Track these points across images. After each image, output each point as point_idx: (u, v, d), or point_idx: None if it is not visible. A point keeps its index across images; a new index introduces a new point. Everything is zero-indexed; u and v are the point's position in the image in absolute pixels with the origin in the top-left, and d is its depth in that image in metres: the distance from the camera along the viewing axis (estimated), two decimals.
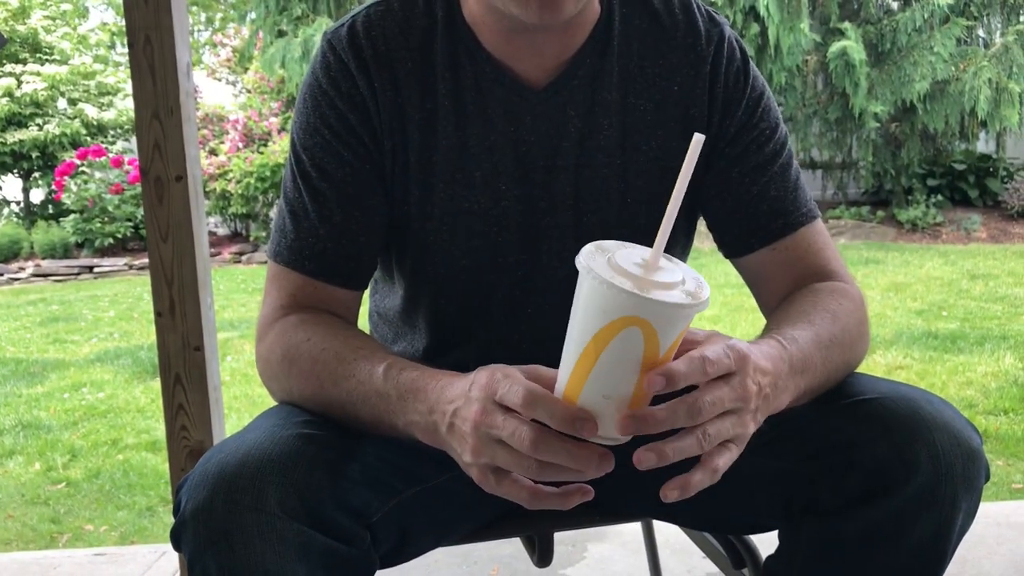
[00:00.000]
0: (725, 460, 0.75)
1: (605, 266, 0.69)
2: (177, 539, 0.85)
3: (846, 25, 9.06)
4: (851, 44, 8.75)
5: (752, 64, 1.08)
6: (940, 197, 9.45)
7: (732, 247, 1.09)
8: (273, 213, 10.12)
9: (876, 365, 4.44)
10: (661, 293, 0.68)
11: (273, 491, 0.82)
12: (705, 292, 0.71)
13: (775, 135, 1.07)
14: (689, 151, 0.70)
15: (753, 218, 1.06)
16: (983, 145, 10.14)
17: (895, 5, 9.72)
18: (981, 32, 9.65)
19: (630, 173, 1.04)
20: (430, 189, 1.03)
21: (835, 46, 8.84)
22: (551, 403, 0.72)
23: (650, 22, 1.05)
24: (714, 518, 1.06)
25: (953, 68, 8.93)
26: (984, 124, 9.19)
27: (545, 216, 1.05)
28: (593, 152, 1.04)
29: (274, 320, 1.01)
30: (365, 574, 0.90)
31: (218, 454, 0.86)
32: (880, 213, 9.43)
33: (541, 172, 1.04)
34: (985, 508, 2.37)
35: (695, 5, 1.07)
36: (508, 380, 0.74)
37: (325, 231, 1.01)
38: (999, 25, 9.52)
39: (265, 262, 10.05)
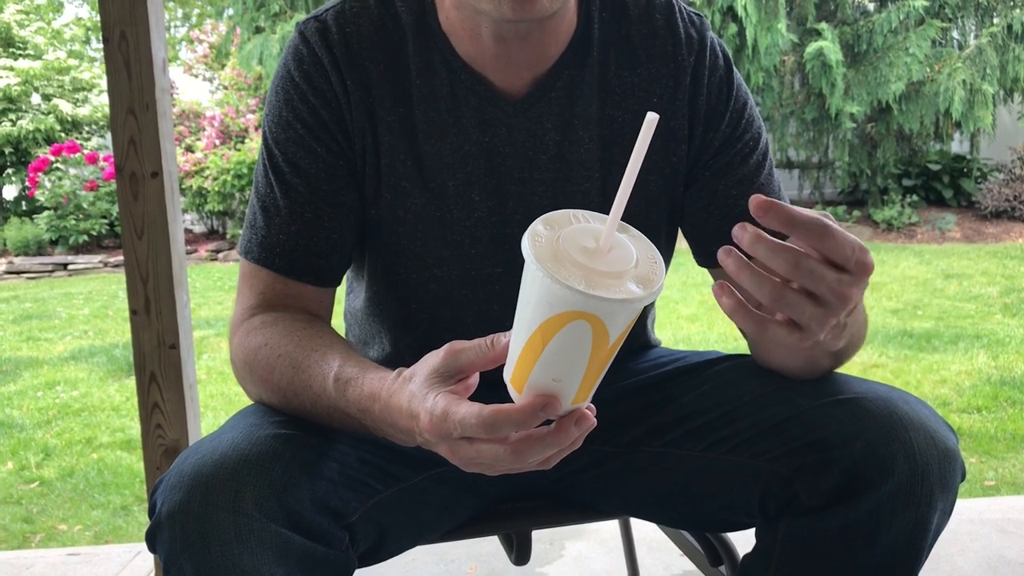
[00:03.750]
0: (786, 335, 0.69)
1: (550, 255, 0.65)
2: (152, 541, 0.84)
3: (823, 26, 9.13)
4: (828, 45, 8.81)
5: (735, 71, 1.07)
6: (915, 197, 9.54)
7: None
8: None
9: (852, 364, 4.46)
10: (609, 287, 0.64)
11: (250, 492, 0.81)
12: (659, 275, 0.67)
13: (758, 146, 1.05)
14: (642, 131, 0.67)
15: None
16: (957, 146, 10.25)
17: (871, 6, 9.80)
18: (956, 34, 9.75)
19: (610, 187, 1.02)
20: (403, 194, 1.01)
21: (812, 47, 8.90)
22: (506, 417, 0.68)
23: (629, 29, 1.03)
24: (691, 516, 1.07)
25: (928, 69, 9.02)
26: (959, 125, 9.28)
27: (521, 228, 1.01)
28: (573, 166, 1.02)
29: (241, 322, 1.00)
30: (343, 575, 0.89)
31: (194, 455, 0.84)
32: (856, 213, 9.50)
33: (516, 184, 1.02)
34: (958, 505, 2.38)
35: (677, 8, 1.05)
36: (450, 418, 0.71)
37: (297, 227, 0.99)
38: (973, 27, 9.62)
39: None
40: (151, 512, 0.85)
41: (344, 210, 1.01)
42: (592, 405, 0.72)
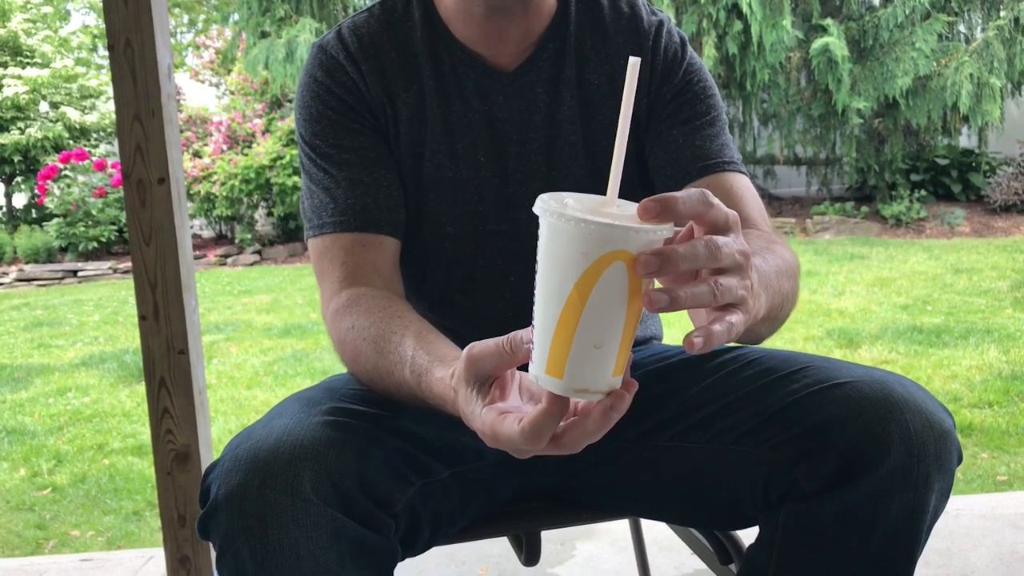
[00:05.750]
0: (738, 319, 0.68)
1: (568, 206, 0.66)
2: (205, 526, 0.85)
3: (828, 22, 9.10)
4: (833, 41, 8.79)
5: (690, 48, 1.20)
6: (923, 192, 9.50)
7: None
8: (258, 215, 10.10)
9: (861, 359, 4.46)
10: (636, 223, 0.65)
11: (307, 476, 0.83)
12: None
13: (708, 99, 1.17)
14: (627, 76, 0.67)
15: (678, 164, 1.14)
16: (965, 140, 10.20)
17: (876, 1, 9.77)
18: (962, 28, 9.71)
19: (590, 141, 1.16)
20: (420, 159, 1.14)
21: (817, 43, 8.87)
22: (543, 422, 0.68)
23: (600, 12, 1.19)
24: (699, 512, 1.07)
25: (935, 64, 8.98)
26: (966, 119, 9.24)
27: (521, 186, 1.15)
28: (560, 123, 1.15)
29: (330, 301, 1.06)
30: (390, 563, 0.91)
31: (247, 440, 0.86)
32: (864, 208, 9.48)
33: (515, 145, 1.15)
34: (970, 500, 2.40)
35: (640, 1, 1.20)
36: (500, 439, 0.71)
37: (360, 190, 1.09)
38: (980, 20, 9.58)
39: (251, 264, 10.05)
40: (203, 499, 0.87)
41: (393, 172, 1.13)
42: (632, 380, 0.70)
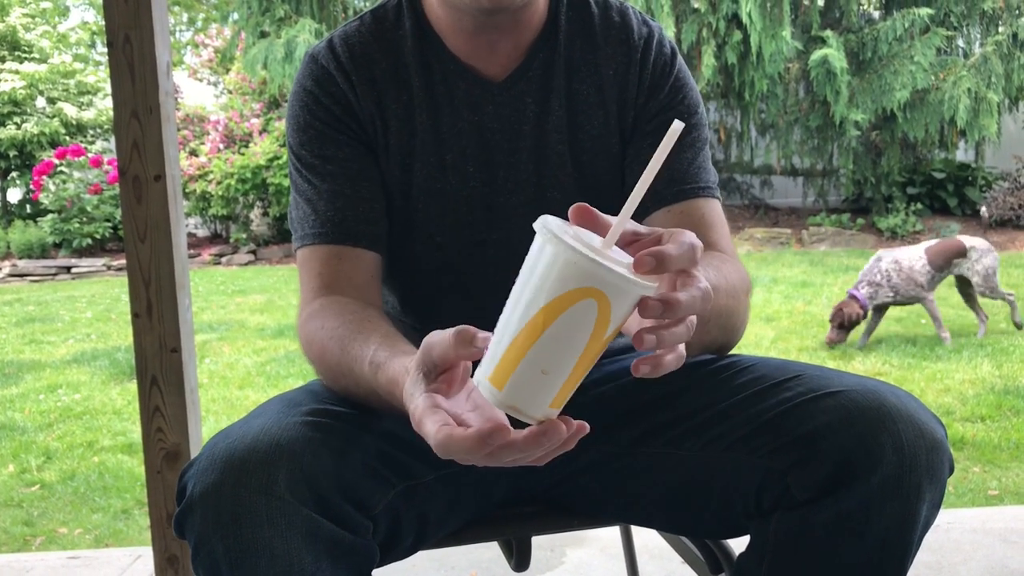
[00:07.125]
0: (685, 343, 0.72)
1: (568, 234, 0.66)
2: (181, 524, 0.85)
3: (828, 33, 9.13)
4: (832, 52, 8.81)
5: (681, 61, 1.19)
6: (919, 205, 9.53)
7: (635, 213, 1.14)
8: (254, 215, 10.09)
9: (855, 371, 4.46)
10: (623, 269, 0.65)
11: (283, 476, 0.83)
12: (653, 282, 0.68)
13: (691, 119, 1.16)
14: (666, 137, 0.68)
15: (654, 184, 1.10)
16: (962, 154, 10.24)
17: (876, 14, 9.81)
18: (960, 42, 9.75)
19: (577, 151, 1.15)
20: (409, 169, 1.14)
21: (816, 54, 8.90)
22: (457, 444, 0.67)
23: (591, 21, 1.18)
24: (691, 519, 1.07)
25: (933, 77, 9.01)
26: (963, 133, 9.28)
27: (511, 196, 1.15)
28: (549, 132, 1.15)
29: (304, 308, 1.07)
30: (367, 564, 0.90)
31: (224, 439, 0.87)
32: (860, 221, 9.50)
33: (504, 155, 1.14)
34: (961, 514, 2.40)
35: (631, 11, 1.19)
36: (422, 429, 0.71)
37: (341, 203, 1.10)
38: (978, 35, 9.63)
39: (245, 264, 10.03)
40: (180, 496, 0.87)
41: (376, 184, 1.13)
42: (571, 419, 0.69)
